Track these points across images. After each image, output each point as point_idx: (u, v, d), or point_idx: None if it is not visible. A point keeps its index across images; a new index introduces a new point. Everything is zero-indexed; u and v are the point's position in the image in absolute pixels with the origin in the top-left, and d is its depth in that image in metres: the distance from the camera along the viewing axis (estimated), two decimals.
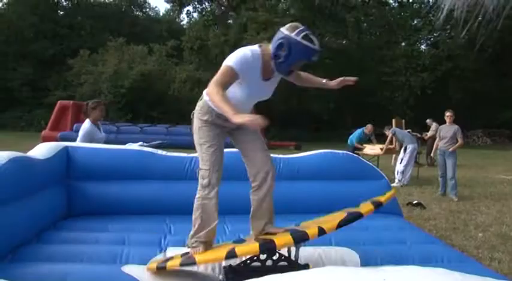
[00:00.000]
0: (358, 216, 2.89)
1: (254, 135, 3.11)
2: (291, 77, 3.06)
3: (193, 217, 2.93)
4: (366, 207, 3.04)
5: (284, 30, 2.76)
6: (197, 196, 2.93)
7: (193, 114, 3.04)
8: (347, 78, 3.28)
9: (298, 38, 2.69)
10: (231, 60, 2.77)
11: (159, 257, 3.09)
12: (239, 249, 2.71)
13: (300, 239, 2.76)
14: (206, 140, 2.94)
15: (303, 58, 2.79)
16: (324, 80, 3.27)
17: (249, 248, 2.76)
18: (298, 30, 2.72)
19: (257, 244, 2.73)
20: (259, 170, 2.99)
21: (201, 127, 2.97)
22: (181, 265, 2.77)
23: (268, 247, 2.73)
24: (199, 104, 3.02)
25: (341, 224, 2.81)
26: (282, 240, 2.77)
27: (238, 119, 2.48)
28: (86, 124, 5.28)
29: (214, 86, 2.70)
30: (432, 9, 28.81)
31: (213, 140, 2.94)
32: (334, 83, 3.24)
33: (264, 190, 2.99)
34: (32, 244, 3.27)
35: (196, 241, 2.91)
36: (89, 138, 5.14)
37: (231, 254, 2.67)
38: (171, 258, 2.93)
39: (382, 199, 3.12)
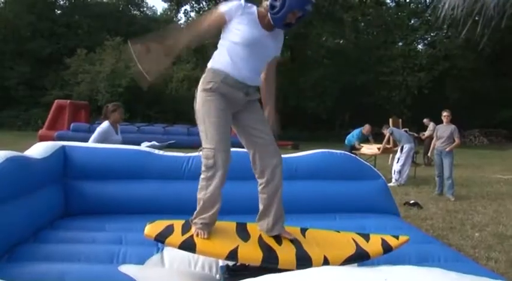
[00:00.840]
0: (365, 256, 2.85)
1: (263, 124, 2.97)
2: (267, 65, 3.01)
3: (198, 196, 2.83)
4: (375, 247, 2.92)
5: None
6: (202, 176, 2.80)
7: (196, 91, 2.90)
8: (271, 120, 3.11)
9: None
10: (222, 4, 2.80)
11: (158, 221, 3.03)
12: (242, 252, 2.68)
13: (304, 264, 2.69)
14: (210, 114, 2.75)
15: (297, 7, 2.73)
16: (266, 112, 3.09)
17: (252, 256, 2.72)
18: None
19: (261, 255, 2.70)
20: (267, 165, 2.87)
21: (206, 100, 2.79)
22: (180, 247, 2.73)
23: (270, 262, 2.69)
24: (203, 76, 2.91)
25: (346, 262, 2.77)
26: (286, 259, 2.73)
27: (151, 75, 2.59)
28: (105, 124, 5.39)
29: (192, 27, 2.76)
30: (429, 8, 28.91)
31: (219, 113, 2.76)
32: (269, 117, 3.11)
33: (274, 187, 2.89)
34: (29, 243, 3.26)
35: (201, 222, 2.81)
36: (103, 138, 5.22)
37: (233, 256, 2.65)
38: (171, 230, 2.84)
39: (393, 243, 2.97)
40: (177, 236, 2.80)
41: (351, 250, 2.87)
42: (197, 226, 2.82)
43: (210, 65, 2.91)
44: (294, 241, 2.91)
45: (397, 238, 3.04)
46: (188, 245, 2.74)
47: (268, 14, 2.79)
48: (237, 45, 2.81)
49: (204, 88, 2.83)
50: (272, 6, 2.76)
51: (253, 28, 2.82)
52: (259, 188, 2.94)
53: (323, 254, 2.77)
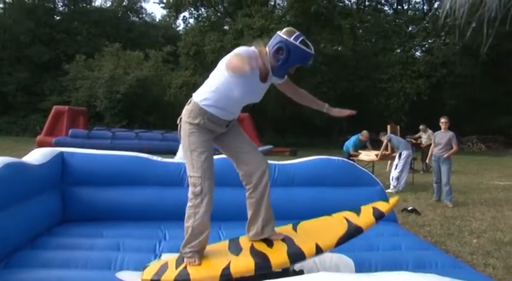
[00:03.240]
0: (358, 232, 2.87)
1: (242, 136, 3.10)
2: (285, 87, 3.10)
3: (186, 225, 2.89)
4: (366, 218, 2.97)
5: (282, 34, 2.79)
6: (189, 204, 2.88)
7: (180, 120, 3.00)
8: (346, 111, 3.25)
9: (297, 43, 2.74)
10: (239, 50, 2.78)
11: (154, 263, 3.08)
12: (234, 267, 2.70)
13: (297, 259, 2.74)
14: (197, 146, 2.88)
15: (300, 62, 2.83)
16: (326, 105, 3.23)
17: (244, 267, 2.73)
18: (296, 35, 2.77)
19: (253, 263, 2.72)
20: (254, 171, 2.96)
21: (192, 132, 2.91)
22: (176, 280, 2.75)
23: (263, 267, 2.71)
24: (187, 108, 2.97)
25: (339, 243, 2.80)
26: (278, 259, 2.75)
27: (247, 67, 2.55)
28: None
29: (232, 66, 2.69)
30: (427, 15, 29.05)
31: (205, 145, 2.90)
32: (335, 111, 3.21)
33: (261, 191, 2.96)
34: (26, 250, 3.26)
35: (190, 250, 2.87)
36: None
37: (226, 274, 2.66)
38: (166, 267, 2.89)
39: (384, 208, 3.03)
40: (171, 272, 2.82)
41: (343, 230, 2.88)
42: (187, 256, 2.88)
43: (197, 99, 2.94)
44: (285, 239, 2.95)
45: (387, 201, 3.09)
46: (183, 277, 2.75)
47: (268, 65, 2.83)
48: (232, 90, 2.84)
49: (190, 122, 2.92)
50: (275, 59, 2.80)
51: (253, 82, 2.87)
52: (247, 193, 3.01)
53: (314, 243, 2.78)
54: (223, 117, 2.94)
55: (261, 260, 2.74)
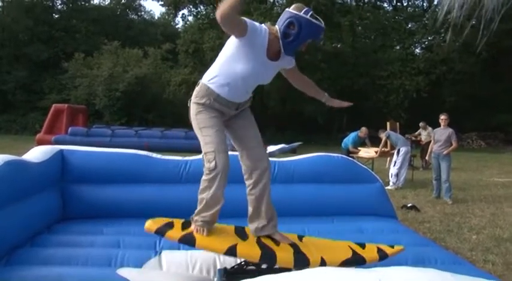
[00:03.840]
0: (362, 262, 2.88)
1: (252, 129, 3.09)
2: (292, 74, 3.10)
3: (200, 196, 2.88)
4: (371, 254, 2.97)
5: (291, 9, 2.80)
6: (204, 177, 2.86)
7: (189, 102, 3.00)
8: (343, 102, 3.31)
9: (308, 17, 2.75)
10: (244, 18, 2.77)
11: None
12: (240, 248, 2.71)
13: (301, 264, 2.73)
14: (206, 123, 2.88)
15: (311, 36, 2.84)
16: (326, 94, 3.27)
17: (250, 252, 2.74)
18: (305, 9, 2.78)
19: (259, 252, 2.73)
20: (256, 168, 2.96)
21: (199, 111, 2.91)
22: (180, 241, 2.76)
23: (268, 259, 2.73)
24: (196, 89, 2.98)
25: (343, 265, 2.79)
26: (284, 258, 2.76)
27: None
28: None
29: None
30: (427, 12, 29.01)
31: (214, 121, 2.88)
32: (335, 102, 3.27)
33: (261, 188, 2.96)
34: (26, 247, 3.27)
35: (201, 220, 2.86)
36: None
37: (231, 252, 2.67)
38: (172, 225, 2.88)
39: (388, 251, 3.02)
40: (177, 231, 2.83)
41: (348, 254, 2.90)
42: (197, 224, 2.87)
43: (205, 80, 2.95)
44: (292, 244, 2.94)
45: (392, 247, 3.08)
46: (188, 240, 2.76)
47: (280, 41, 2.82)
48: (237, 71, 2.83)
49: (198, 102, 2.93)
50: (286, 35, 2.79)
51: (260, 59, 2.84)
52: (247, 190, 3.02)
53: (320, 255, 2.79)
54: (231, 99, 2.91)
55: (268, 252, 2.76)
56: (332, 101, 3.27)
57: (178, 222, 2.95)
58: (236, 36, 2.78)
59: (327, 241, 3.20)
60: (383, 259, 2.96)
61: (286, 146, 6.71)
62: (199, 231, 2.84)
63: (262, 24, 2.87)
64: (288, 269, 2.71)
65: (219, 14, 2.62)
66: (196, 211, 2.90)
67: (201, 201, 2.88)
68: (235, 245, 2.71)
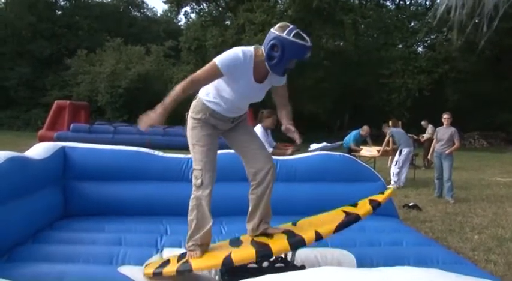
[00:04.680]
0: (356, 218, 2.89)
1: (251, 134, 3.13)
2: (278, 92, 3.06)
3: (189, 218, 2.93)
4: (363, 208, 3.02)
5: (274, 30, 2.75)
6: (192, 196, 2.92)
7: (187, 115, 3.05)
8: (296, 136, 3.06)
9: (290, 37, 2.69)
10: (220, 57, 2.78)
11: (155, 258, 3.09)
12: (235, 255, 2.70)
13: (297, 245, 2.77)
14: (199, 140, 2.94)
15: (296, 56, 2.79)
16: (291, 122, 3.12)
17: (245, 255, 2.75)
18: (289, 29, 2.72)
19: (254, 251, 2.73)
20: (260, 169, 2.98)
21: (194, 127, 2.98)
22: (178, 271, 2.76)
23: (264, 254, 2.73)
24: (193, 103, 3.04)
25: (338, 228, 2.81)
26: (278, 246, 2.77)
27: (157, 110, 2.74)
28: (259, 129, 5.74)
29: (189, 79, 2.77)
30: (429, 11, 28.93)
31: (206, 139, 2.94)
32: (290, 130, 3.07)
33: (264, 188, 2.99)
34: (28, 244, 3.27)
35: (193, 243, 2.90)
36: (266, 139, 5.68)
37: (227, 261, 2.67)
38: (168, 262, 2.91)
39: (379, 198, 3.11)
40: (173, 265, 2.84)
41: (341, 217, 2.92)
42: (190, 249, 2.92)
43: (201, 94, 2.99)
44: (285, 231, 2.98)
45: (382, 193, 3.17)
46: (184, 268, 2.77)
47: (266, 65, 2.80)
48: (229, 93, 2.87)
49: (194, 117, 2.99)
50: (270, 57, 2.76)
51: (248, 85, 2.86)
52: (250, 189, 3.04)
53: (314, 230, 2.81)
54: (226, 114, 2.97)
55: (262, 248, 2.77)
56: (288, 129, 3.07)
57: (174, 258, 2.97)
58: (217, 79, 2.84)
59: (320, 215, 3.26)
60: (376, 208, 3.01)
61: (328, 144, 6.74)
62: (193, 256, 2.86)
63: (250, 48, 2.85)
64: (288, 269, 2.71)
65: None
66: (187, 236, 2.95)
67: (190, 223, 2.92)
68: (230, 254, 2.72)
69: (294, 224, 3.17)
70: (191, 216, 2.92)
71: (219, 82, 2.87)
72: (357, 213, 2.94)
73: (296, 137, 3.02)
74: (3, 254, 3.00)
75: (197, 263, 2.78)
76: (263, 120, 5.86)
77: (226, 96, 2.88)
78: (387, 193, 3.24)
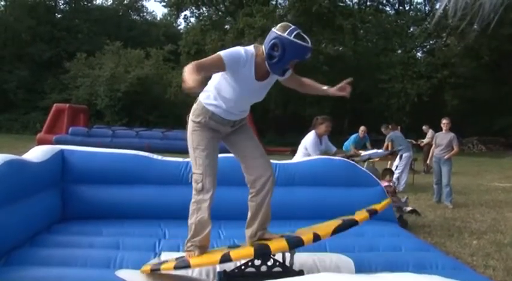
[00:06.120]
0: (354, 223, 2.91)
1: (252, 140, 3.11)
2: (290, 82, 3.07)
3: (189, 222, 2.92)
4: (361, 214, 3.05)
5: (276, 30, 2.77)
6: (192, 200, 2.92)
7: (187, 118, 3.04)
8: (344, 82, 3.16)
9: (291, 37, 2.70)
10: (223, 51, 2.79)
11: (154, 261, 3.08)
12: (234, 253, 2.72)
13: (295, 244, 2.77)
14: (199, 144, 2.93)
15: (296, 57, 2.80)
16: (325, 87, 3.21)
17: (244, 252, 2.76)
18: (290, 29, 2.73)
19: (252, 249, 2.75)
20: (259, 176, 2.97)
21: (195, 131, 2.96)
22: (176, 267, 2.76)
23: (263, 252, 2.74)
24: (193, 107, 3.02)
25: (336, 231, 2.82)
26: (277, 245, 2.79)
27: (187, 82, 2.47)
28: (311, 135, 5.82)
29: (195, 62, 2.65)
30: (428, 16, 29.03)
31: (207, 143, 2.92)
32: (334, 89, 3.16)
33: (263, 196, 2.97)
34: (26, 248, 3.26)
35: (191, 245, 2.91)
36: (317, 147, 5.73)
37: (226, 258, 2.68)
38: (166, 261, 2.93)
39: (377, 207, 3.15)
40: (171, 262, 2.85)
41: (339, 222, 2.94)
42: (188, 249, 2.92)
43: (201, 98, 2.98)
44: (283, 235, 2.99)
45: (379, 203, 3.24)
46: (182, 264, 2.77)
47: (266, 63, 2.81)
48: (230, 92, 2.86)
49: (194, 120, 2.97)
50: (271, 56, 2.77)
51: (249, 83, 2.86)
52: (249, 196, 3.03)
53: (312, 232, 2.82)
54: (226, 117, 2.95)
55: (261, 246, 2.78)
56: (333, 89, 3.15)
57: (172, 259, 2.98)
58: (219, 71, 2.82)
59: (318, 224, 3.29)
60: (373, 215, 3.05)
61: (379, 151, 6.85)
62: (191, 255, 2.87)
63: (250, 47, 2.86)
64: (286, 274, 2.70)
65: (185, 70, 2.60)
66: (187, 240, 2.95)
67: (190, 227, 2.92)
68: (228, 252, 2.73)
69: (293, 232, 3.18)
70: (191, 220, 2.91)
71: (219, 82, 2.87)
72: (355, 219, 2.97)
73: (346, 89, 3.14)
74: (0, 257, 2.99)
75: (195, 261, 2.79)
76: (317, 126, 5.87)
77: (227, 96, 2.87)
78: (385, 202, 3.29)
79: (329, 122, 6.05)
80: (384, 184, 6.06)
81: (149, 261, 3.09)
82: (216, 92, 2.90)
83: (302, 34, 2.74)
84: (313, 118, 5.99)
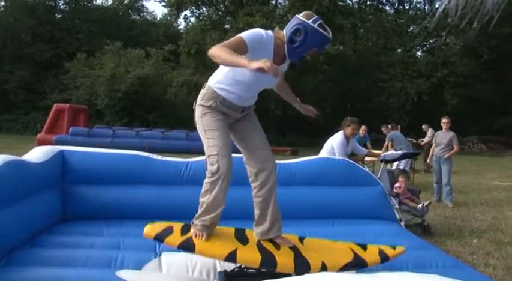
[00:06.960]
0: (363, 265, 2.88)
1: (257, 130, 3.09)
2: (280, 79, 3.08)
3: (201, 199, 2.88)
4: (372, 256, 2.96)
5: (300, 17, 2.82)
6: (206, 180, 2.85)
7: (195, 104, 3.00)
8: (310, 108, 3.40)
9: (315, 26, 2.76)
10: (245, 33, 2.78)
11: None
12: (240, 255, 2.69)
13: (302, 268, 2.73)
14: (211, 126, 2.87)
15: (316, 45, 2.84)
16: (298, 100, 3.34)
17: (250, 258, 2.74)
18: (314, 18, 2.79)
19: (259, 258, 2.72)
20: (262, 169, 2.94)
21: (205, 114, 2.91)
22: (180, 247, 2.75)
23: (268, 265, 2.72)
24: (202, 92, 2.99)
25: (344, 269, 2.79)
26: (284, 262, 2.75)
27: (255, 64, 2.43)
28: (339, 136, 5.89)
29: (220, 46, 2.65)
30: (428, 15, 29.02)
31: (218, 125, 2.88)
32: (302, 106, 3.36)
33: (267, 190, 2.95)
34: (26, 248, 3.25)
35: (201, 223, 2.86)
36: (344, 149, 5.80)
37: (231, 258, 2.67)
38: (171, 231, 2.88)
39: (390, 253, 3.02)
40: (176, 236, 2.82)
41: (349, 257, 2.89)
42: (197, 228, 2.87)
43: (211, 82, 2.95)
44: (293, 248, 2.92)
45: (394, 248, 3.07)
46: (187, 245, 2.76)
47: (285, 46, 2.83)
48: (246, 75, 2.80)
49: (203, 105, 2.93)
50: (292, 41, 2.80)
51: None
52: (254, 192, 2.99)
53: (321, 260, 2.78)
54: (237, 103, 2.93)
55: (268, 258, 2.75)
56: (303, 106, 3.35)
57: (177, 226, 2.94)
58: (241, 53, 2.76)
59: (328, 243, 3.18)
60: (384, 261, 2.95)
61: (407, 152, 6.95)
62: (198, 236, 2.84)
63: (269, 31, 2.87)
64: (289, 274, 2.70)
65: (211, 54, 2.63)
66: (196, 215, 2.90)
67: (201, 205, 2.88)
68: (235, 250, 2.71)
69: (301, 241, 3.09)
70: (203, 198, 2.87)
71: (234, 69, 2.80)
72: (365, 260, 2.90)
73: (312, 111, 3.38)
74: (1, 258, 2.99)
75: (201, 247, 2.77)
76: (344, 127, 5.92)
77: (241, 79, 2.83)
78: (399, 250, 3.08)
79: (356, 124, 6.11)
80: (399, 185, 6.04)
81: (150, 262, 3.09)
82: (230, 75, 2.86)
83: (324, 25, 2.80)
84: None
